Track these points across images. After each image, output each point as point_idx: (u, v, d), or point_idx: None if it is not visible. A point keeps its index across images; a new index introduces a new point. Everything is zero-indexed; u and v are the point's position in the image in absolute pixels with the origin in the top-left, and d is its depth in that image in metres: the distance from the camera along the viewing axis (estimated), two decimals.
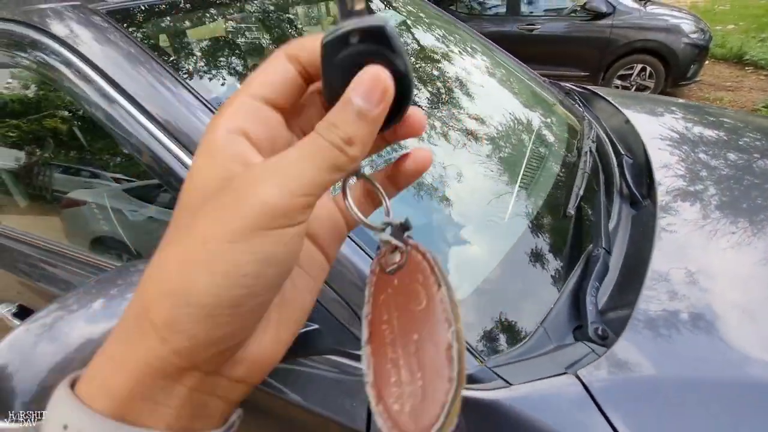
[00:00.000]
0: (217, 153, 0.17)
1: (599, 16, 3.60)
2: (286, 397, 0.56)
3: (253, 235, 0.15)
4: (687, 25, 3.54)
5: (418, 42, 1.09)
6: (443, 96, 0.93)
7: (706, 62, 4.03)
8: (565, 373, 0.48)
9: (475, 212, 0.71)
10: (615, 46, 3.62)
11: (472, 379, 0.48)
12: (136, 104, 0.55)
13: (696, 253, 0.67)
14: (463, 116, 0.88)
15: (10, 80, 0.83)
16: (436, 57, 1.06)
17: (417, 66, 0.98)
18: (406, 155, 0.21)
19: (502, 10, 4.05)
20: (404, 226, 0.20)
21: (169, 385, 0.16)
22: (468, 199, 0.72)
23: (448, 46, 1.15)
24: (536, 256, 0.65)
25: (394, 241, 0.20)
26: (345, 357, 0.55)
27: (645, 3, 3.74)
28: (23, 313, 0.91)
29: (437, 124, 0.83)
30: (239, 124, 0.17)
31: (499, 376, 0.49)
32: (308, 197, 0.16)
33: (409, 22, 1.14)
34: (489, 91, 1.07)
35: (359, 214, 0.20)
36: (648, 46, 3.55)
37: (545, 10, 3.96)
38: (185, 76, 0.65)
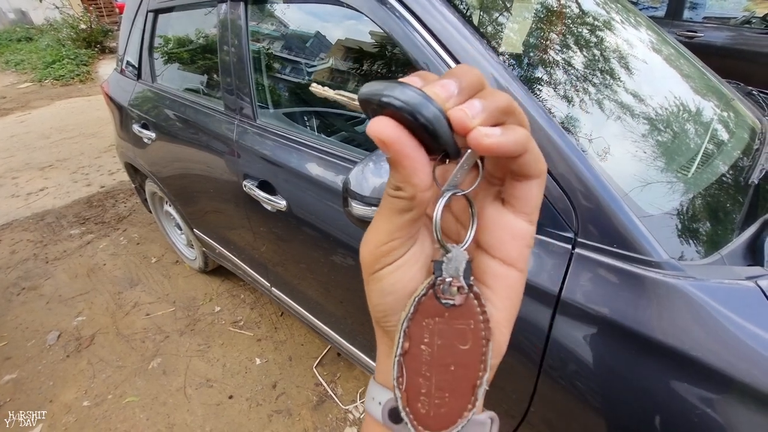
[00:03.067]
0: None
1: None
2: None
3: (368, 280, 0.22)
4: None
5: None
6: (635, 66, 1.03)
7: None
8: (745, 280, 0.60)
9: (675, 150, 0.86)
10: None
11: (664, 266, 0.62)
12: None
13: None
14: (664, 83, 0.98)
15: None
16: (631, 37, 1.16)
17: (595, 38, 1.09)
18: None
19: (660, 13, 3.76)
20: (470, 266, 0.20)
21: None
22: (671, 136, 0.87)
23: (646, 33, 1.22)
24: (719, 202, 0.75)
25: (462, 282, 0.20)
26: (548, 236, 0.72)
27: None
28: (264, 186, 1.24)
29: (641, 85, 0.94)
30: None
31: (687, 273, 0.62)
32: (390, 242, 0.20)
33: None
34: (683, 72, 1.14)
35: (438, 233, 0.20)
36: None
37: (705, 17, 3.60)
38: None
